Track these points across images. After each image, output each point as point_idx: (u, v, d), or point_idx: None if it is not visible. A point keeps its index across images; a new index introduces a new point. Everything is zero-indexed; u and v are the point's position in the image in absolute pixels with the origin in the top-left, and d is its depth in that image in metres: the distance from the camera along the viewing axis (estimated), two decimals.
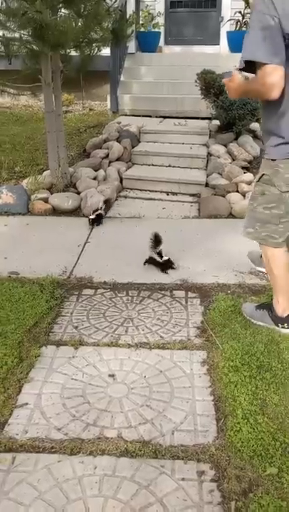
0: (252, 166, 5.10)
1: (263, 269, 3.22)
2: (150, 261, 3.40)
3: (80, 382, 2.28)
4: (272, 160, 2.41)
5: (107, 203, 4.48)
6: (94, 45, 4.62)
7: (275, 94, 2.25)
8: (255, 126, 5.76)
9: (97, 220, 4.21)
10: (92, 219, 4.18)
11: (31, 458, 1.87)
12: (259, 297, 3.01)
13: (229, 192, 4.70)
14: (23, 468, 1.82)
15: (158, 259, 3.35)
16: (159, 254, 3.35)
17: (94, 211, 4.24)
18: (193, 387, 2.24)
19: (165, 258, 3.34)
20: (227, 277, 3.28)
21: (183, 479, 1.78)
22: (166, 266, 3.36)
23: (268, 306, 2.73)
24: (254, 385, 2.23)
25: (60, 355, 2.49)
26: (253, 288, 3.16)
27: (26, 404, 2.14)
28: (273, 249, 2.56)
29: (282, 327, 2.66)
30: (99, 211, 4.24)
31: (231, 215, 4.34)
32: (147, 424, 2.03)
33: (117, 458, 1.87)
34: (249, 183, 4.69)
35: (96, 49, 4.73)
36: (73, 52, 4.85)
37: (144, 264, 3.40)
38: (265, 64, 2.20)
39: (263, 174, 2.46)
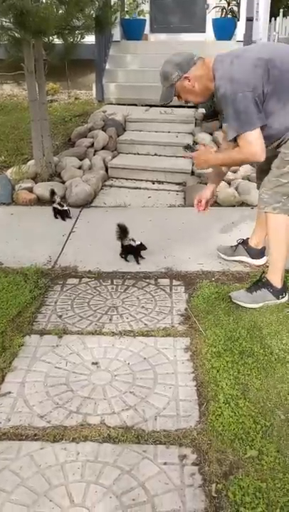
0: None
1: (236, 258, 3.31)
2: (127, 249, 3.35)
3: (64, 371, 2.29)
4: None
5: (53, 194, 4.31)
6: (77, 32, 4.57)
7: (262, 158, 2.53)
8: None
9: (60, 214, 4.13)
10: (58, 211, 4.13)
11: (14, 446, 1.88)
12: (242, 284, 3.03)
13: None
14: (6, 456, 1.83)
15: (133, 243, 3.30)
16: (132, 240, 3.32)
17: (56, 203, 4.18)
18: (176, 374, 2.26)
19: (138, 242, 3.31)
20: (212, 265, 3.29)
21: (165, 463, 1.80)
22: (140, 249, 3.33)
23: (261, 285, 2.80)
24: (236, 370, 2.25)
25: (43, 344, 2.49)
26: (237, 275, 3.17)
27: (9, 392, 2.15)
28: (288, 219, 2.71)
29: (282, 297, 2.81)
30: (55, 205, 4.14)
31: (216, 203, 4.34)
32: (130, 410, 2.05)
33: (100, 444, 1.89)
34: (234, 171, 4.70)
35: (79, 36, 4.67)
36: (57, 40, 4.80)
37: (125, 258, 3.37)
38: (243, 133, 2.48)
39: None
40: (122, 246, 3.35)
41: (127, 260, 3.35)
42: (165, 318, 2.70)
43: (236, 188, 4.46)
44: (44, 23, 3.70)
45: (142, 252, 3.35)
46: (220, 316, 2.68)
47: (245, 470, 1.75)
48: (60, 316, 2.73)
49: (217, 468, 1.77)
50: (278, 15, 13.95)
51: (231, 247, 3.34)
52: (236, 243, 3.33)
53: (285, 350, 2.40)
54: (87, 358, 2.37)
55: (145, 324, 2.65)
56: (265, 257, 3.24)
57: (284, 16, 15.04)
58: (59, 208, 4.11)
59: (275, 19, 11.21)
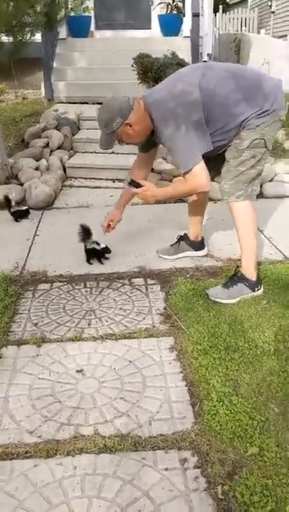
0: None
1: (181, 255, 3.32)
2: (91, 252, 3.26)
3: (48, 381, 2.19)
4: (256, 126, 2.59)
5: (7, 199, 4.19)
6: (27, 29, 4.42)
7: (207, 188, 2.69)
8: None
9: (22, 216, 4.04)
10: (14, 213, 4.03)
11: (5, 466, 1.77)
12: (217, 279, 3.02)
13: (175, 176, 4.68)
14: None
15: (98, 247, 3.23)
16: (96, 243, 3.24)
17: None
18: (164, 375, 2.21)
19: (103, 246, 3.24)
20: (184, 261, 3.27)
21: (166, 469, 1.74)
22: (104, 253, 3.27)
23: (237, 280, 2.80)
24: (224, 367, 2.23)
25: (22, 354, 2.37)
26: (210, 270, 3.16)
27: None
28: (251, 204, 2.77)
29: (257, 290, 2.82)
30: (13, 209, 4.05)
31: (179, 199, 4.32)
32: (123, 416, 1.98)
33: (97, 455, 1.81)
34: None
35: (29, 34, 4.52)
36: (4, 38, 4.62)
37: (88, 261, 3.28)
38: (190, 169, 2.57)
39: (255, 139, 2.61)
40: (86, 250, 3.25)
41: (90, 263, 3.26)
42: (145, 319, 2.65)
43: None
44: None
45: (111, 252, 3.28)
46: (200, 313, 2.65)
47: (249, 468, 1.73)
48: (35, 324, 2.62)
49: (220, 469, 1.74)
50: (218, 11, 14.16)
51: (172, 245, 3.35)
52: (176, 240, 3.34)
53: (268, 343, 2.40)
54: (71, 366, 2.28)
55: (126, 326, 2.59)
56: (206, 247, 3.36)
57: (223, 12, 15.33)
58: (20, 209, 3.97)
59: (215, 15, 11.36)
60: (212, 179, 2.95)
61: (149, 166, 3.21)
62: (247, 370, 2.22)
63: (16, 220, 3.98)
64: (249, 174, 2.70)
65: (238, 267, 2.90)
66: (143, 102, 2.66)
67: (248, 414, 1.96)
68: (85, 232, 3.21)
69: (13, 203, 4.03)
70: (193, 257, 3.31)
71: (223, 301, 2.75)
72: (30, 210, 4.09)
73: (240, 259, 2.91)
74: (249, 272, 2.82)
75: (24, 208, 3.98)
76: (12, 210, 3.99)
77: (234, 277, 2.83)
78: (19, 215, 3.97)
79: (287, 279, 2.96)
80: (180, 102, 2.57)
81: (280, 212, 4.09)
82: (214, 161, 2.87)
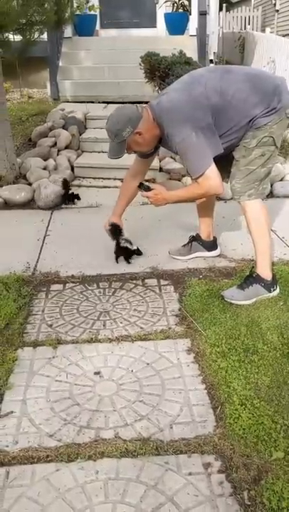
0: None
1: (194, 255, 3.28)
2: (123, 251, 3.21)
3: (66, 383, 2.16)
4: (264, 124, 2.58)
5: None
6: (35, 27, 4.39)
7: (221, 190, 2.66)
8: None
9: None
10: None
11: (27, 470, 1.74)
12: (231, 279, 2.99)
13: (184, 175, 4.65)
14: (20, 482, 1.69)
15: (131, 247, 3.20)
16: (129, 242, 3.21)
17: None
18: (183, 377, 2.18)
19: (135, 247, 3.22)
20: (196, 262, 3.24)
21: (190, 474, 1.72)
22: (134, 253, 3.25)
23: (253, 280, 2.77)
24: (244, 369, 2.20)
25: (38, 356, 2.35)
26: (224, 271, 3.14)
27: (12, 412, 2.00)
28: (264, 204, 2.79)
29: (273, 290, 2.79)
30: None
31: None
32: (143, 420, 1.95)
33: (118, 459, 1.78)
34: None
35: (37, 32, 4.49)
36: (11, 37, 4.59)
37: (117, 259, 3.25)
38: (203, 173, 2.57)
39: (264, 137, 2.60)
40: (119, 247, 3.18)
41: (117, 262, 3.23)
42: (160, 320, 2.62)
43: None
44: (5, 18, 3.51)
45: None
46: (216, 314, 2.63)
47: (275, 473, 1.70)
48: (50, 325, 2.60)
49: (245, 473, 1.71)
50: (221, 9, 14.12)
51: (184, 246, 3.32)
52: (189, 241, 3.31)
53: (287, 345, 2.37)
54: (88, 368, 2.26)
55: (141, 328, 2.56)
56: (218, 247, 3.33)
57: (227, 10, 15.29)
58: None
59: (219, 14, 11.34)
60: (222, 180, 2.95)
61: (144, 174, 3.17)
62: (267, 373, 2.19)
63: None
64: (259, 173, 2.69)
65: (252, 267, 2.87)
66: (151, 110, 2.65)
67: (271, 418, 1.93)
68: (117, 230, 3.16)
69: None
70: (206, 258, 3.29)
71: (240, 303, 2.72)
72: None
73: (253, 260, 2.89)
74: (265, 272, 2.79)
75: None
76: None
77: (249, 278, 2.80)
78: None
79: None
80: (195, 107, 2.56)
81: None
82: (223, 162, 2.86)
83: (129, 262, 3.23)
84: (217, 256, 3.31)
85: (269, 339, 2.42)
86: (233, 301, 2.73)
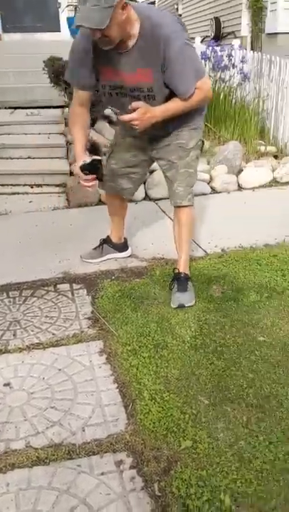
0: None
1: (106, 257, 3.28)
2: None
3: None
4: (199, 127, 2.65)
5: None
6: None
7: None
8: (108, 111, 5.77)
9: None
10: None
11: None
12: (142, 279, 3.05)
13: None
14: None
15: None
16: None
17: None
18: (95, 379, 2.19)
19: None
20: (108, 263, 3.26)
21: (102, 474, 1.73)
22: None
23: (185, 280, 2.82)
24: (154, 365, 2.26)
25: None
26: (136, 270, 3.18)
27: None
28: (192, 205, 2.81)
29: (190, 281, 2.86)
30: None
31: (101, 202, 4.32)
32: (55, 426, 1.94)
33: (30, 468, 1.76)
34: None
35: None
36: None
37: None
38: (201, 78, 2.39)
39: (199, 140, 2.65)
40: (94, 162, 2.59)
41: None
42: (73, 325, 2.61)
43: None
44: None
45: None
46: (128, 314, 2.66)
47: (184, 462, 1.76)
48: None
49: (155, 466, 1.75)
50: None
51: (95, 249, 3.30)
52: (99, 243, 3.29)
53: (195, 337, 2.46)
54: None
55: (53, 334, 2.54)
56: (129, 248, 3.36)
57: None
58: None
59: None
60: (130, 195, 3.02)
61: (90, 103, 2.67)
62: (176, 366, 2.25)
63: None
64: (195, 176, 2.74)
65: (175, 268, 2.89)
66: (134, 9, 2.26)
67: (180, 409, 1.99)
68: (96, 147, 2.93)
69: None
70: (117, 259, 3.32)
71: (190, 304, 2.73)
72: None
73: (164, 258, 2.96)
74: (188, 270, 2.90)
75: None
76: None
77: (182, 279, 2.83)
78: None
79: (208, 274, 3.05)
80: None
81: (197, 211, 4.19)
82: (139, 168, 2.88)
83: (102, 180, 2.74)
84: (128, 256, 3.35)
85: (178, 333, 2.49)
86: (189, 305, 2.72)
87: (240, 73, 5.57)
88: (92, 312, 2.72)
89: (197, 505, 1.59)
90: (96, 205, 4.31)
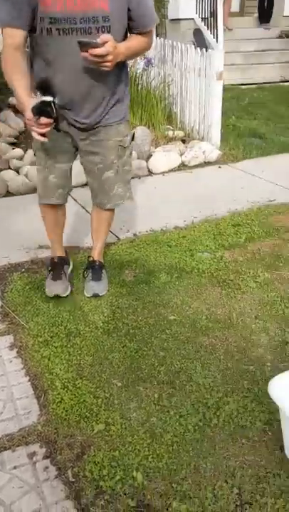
0: (19, 141, 4.97)
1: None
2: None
3: None
4: (127, 119, 2.49)
5: None
6: None
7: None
8: (14, 100, 5.61)
9: None
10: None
11: None
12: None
13: (1, 170, 4.52)
14: None
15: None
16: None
17: None
18: (6, 374, 2.14)
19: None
20: (18, 256, 3.18)
21: (15, 467, 1.70)
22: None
23: (100, 268, 2.79)
24: (67, 353, 2.24)
25: None
26: (47, 261, 3.13)
27: None
28: None
29: (104, 270, 2.84)
30: None
31: (9, 193, 4.20)
32: None
33: None
34: (21, 158, 4.59)
35: None
36: None
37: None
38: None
39: (131, 134, 2.53)
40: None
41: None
42: None
43: (26, 175, 4.36)
44: None
45: None
46: (39, 305, 2.62)
47: (97, 445, 1.77)
48: None
49: (69, 453, 1.75)
50: None
51: (60, 279, 2.78)
52: (59, 271, 2.80)
53: (108, 322, 2.47)
54: None
55: None
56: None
57: None
58: None
59: None
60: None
61: (28, 69, 2.19)
62: (89, 353, 2.26)
63: None
64: (131, 172, 2.65)
65: (90, 256, 2.87)
66: None
67: (93, 394, 2.00)
68: (48, 85, 2.07)
69: None
70: (28, 251, 3.24)
71: (105, 292, 2.72)
72: None
73: (78, 247, 2.91)
74: (102, 259, 2.89)
75: None
76: None
77: (97, 268, 2.79)
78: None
79: (120, 259, 3.07)
80: None
81: None
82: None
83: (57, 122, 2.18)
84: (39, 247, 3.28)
85: (91, 320, 2.49)
86: (103, 294, 2.70)
87: (144, 58, 5.59)
88: (1, 307, 2.64)
89: (110, 485, 1.61)
90: (4, 196, 4.18)
